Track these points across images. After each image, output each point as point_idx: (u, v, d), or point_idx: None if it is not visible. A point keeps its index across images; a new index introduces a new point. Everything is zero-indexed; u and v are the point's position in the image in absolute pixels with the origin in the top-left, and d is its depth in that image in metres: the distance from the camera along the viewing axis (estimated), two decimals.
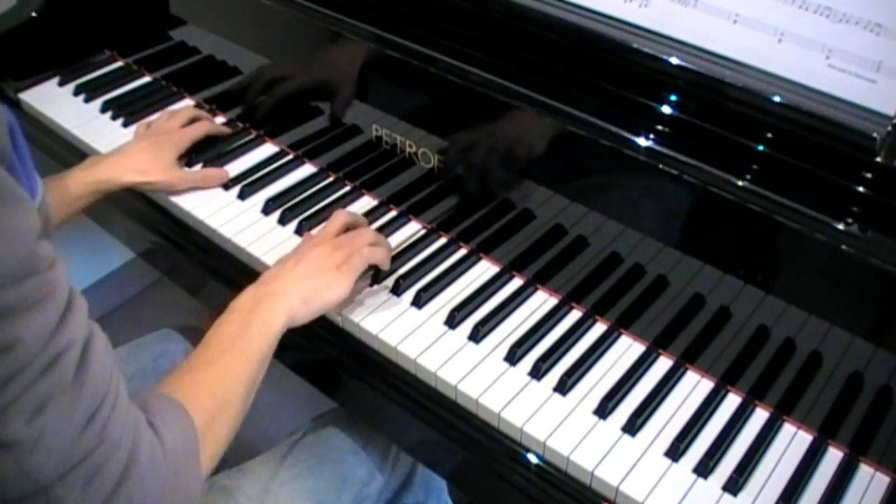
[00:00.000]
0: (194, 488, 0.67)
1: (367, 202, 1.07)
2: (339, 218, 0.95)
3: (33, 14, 1.26)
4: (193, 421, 0.68)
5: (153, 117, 1.17)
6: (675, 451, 0.78)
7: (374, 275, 0.95)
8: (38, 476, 0.55)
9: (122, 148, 1.08)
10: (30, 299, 0.53)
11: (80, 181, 1.01)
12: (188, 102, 1.25)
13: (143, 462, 0.60)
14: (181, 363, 0.77)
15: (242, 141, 1.17)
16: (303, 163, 1.13)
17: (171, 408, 0.68)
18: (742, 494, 0.75)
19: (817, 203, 0.73)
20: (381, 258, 0.92)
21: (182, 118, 1.13)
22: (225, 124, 1.20)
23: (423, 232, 1.02)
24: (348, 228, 0.95)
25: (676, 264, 0.84)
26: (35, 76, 1.27)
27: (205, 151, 1.14)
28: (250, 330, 0.80)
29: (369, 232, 0.95)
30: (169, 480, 0.63)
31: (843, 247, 0.72)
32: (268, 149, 1.16)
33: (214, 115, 1.22)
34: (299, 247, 0.92)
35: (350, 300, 0.91)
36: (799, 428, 0.81)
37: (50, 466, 0.55)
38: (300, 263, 0.87)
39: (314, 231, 1.02)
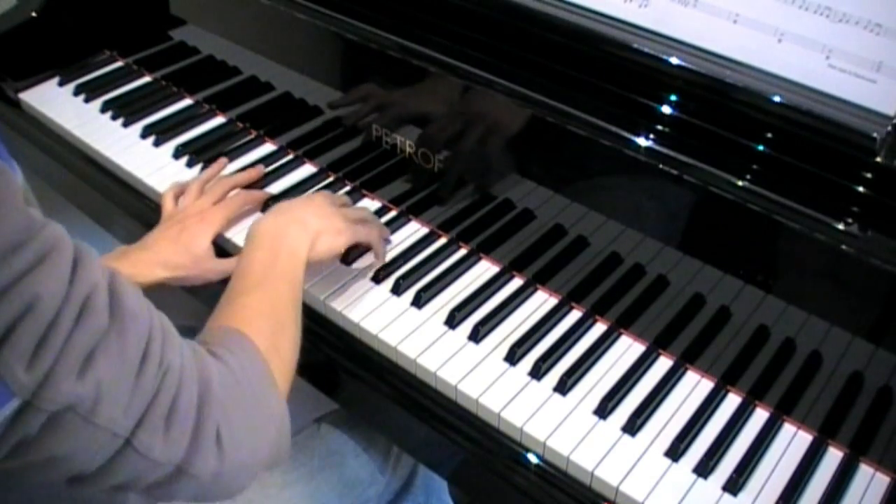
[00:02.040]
0: (277, 408, 0.66)
1: (366, 202, 1.07)
2: (343, 199, 0.98)
3: (33, 14, 1.26)
4: (254, 342, 0.67)
5: (184, 179, 1.05)
6: (675, 451, 0.78)
7: (375, 275, 0.95)
8: (114, 428, 0.53)
9: (150, 239, 0.94)
10: (36, 257, 0.51)
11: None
12: (188, 102, 1.25)
13: (217, 389, 0.59)
14: (221, 297, 0.76)
15: (242, 141, 1.17)
16: (303, 163, 1.13)
17: (230, 335, 0.67)
18: (742, 494, 0.75)
19: (817, 203, 0.73)
20: (381, 252, 0.95)
21: (214, 194, 1.00)
22: (225, 124, 1.20)
23: (423, 232, 1.02)
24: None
25: (676, 264, 0.84)
26: (35, 76, 1.27)
27: (205, 152, 1.14)
28: (279, 256, 0.80)
29: (378, 223, 0.97)
30: (249, 403, 0.62)
31: (843, 247, 0.72)
32: (268, 149, 1.16)
33: (214, 114, 1.22)
34: (303, 195, 0.94)
35: (344, 296, 0.92)
36: (799, 428, 0.81)
37: (120, 415, 0.54)
38: (312, 203, 0.90)
39: None
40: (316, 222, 0.86)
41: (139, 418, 0.55)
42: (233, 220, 1.00)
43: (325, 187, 1.08)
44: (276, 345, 0.70)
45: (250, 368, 0.65)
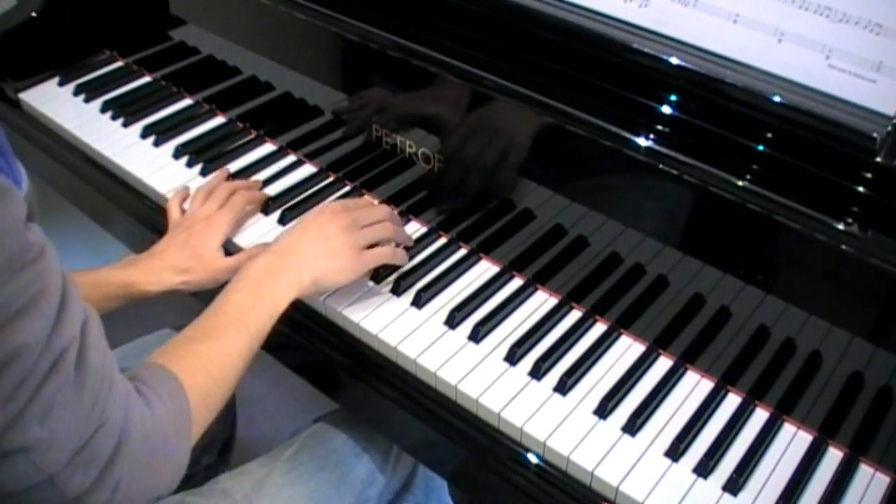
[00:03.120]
0: (182, 456, 0.68)
1: (367, 200, 1.07)
2: (366, 203, 0.94)
3: (33, 14, 1.26)
4: (188, 396, 0.68)
5: (194, 199, 1.03)
6: (675, 451, 0.78)
7: (375, 275, 0.95)
8: (50, 469, 0.56)
9: (158, 246, 0.94)
10: (26, 296, 0.52)
11: (109, 282, 0.89)
12: (188, 102, 1.25)
13: (135, 437, 0.61)
14: (185, 330, 0.76)
15: (242, 141, 1.17)
16: (303, 163, 1.13)
17: (165, 379, 0.68)
18: (742, 494, 0.75)
19: (817, 203, 0.73)
20: (400, 261, 0.93)
21: (219, 198, 1.00)
22: (225, 124, 1.20)
23: (423, 232, 1.02)
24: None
25: (676, 264, 0.84)
26: (35, 76, 1.27)
27: (205, 152, 1.14)
28: (257, 306, 0.79)
29: (399, 229, 0.94)
30: (158, 455, 0.64)
31: (843, 247, 0.72)
32: (268, 149, 1.16)
33: (214, 114, 1.22)
34: (319, 215, 0.88)
35: (343, 296, 0.91)
36: (799, 428, 0.81)
37: (60, 457, 0.56)
38: (319, 236, 0.86)
39: None
40: (313, 266, 0.84)
41: (69, 459, 0.57)
42: (238, 224, 1.01)
43: (325, 187, 1.08)
44: (207, 400, 0.72)
45: (173, 421, 0.67)
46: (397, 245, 0.95)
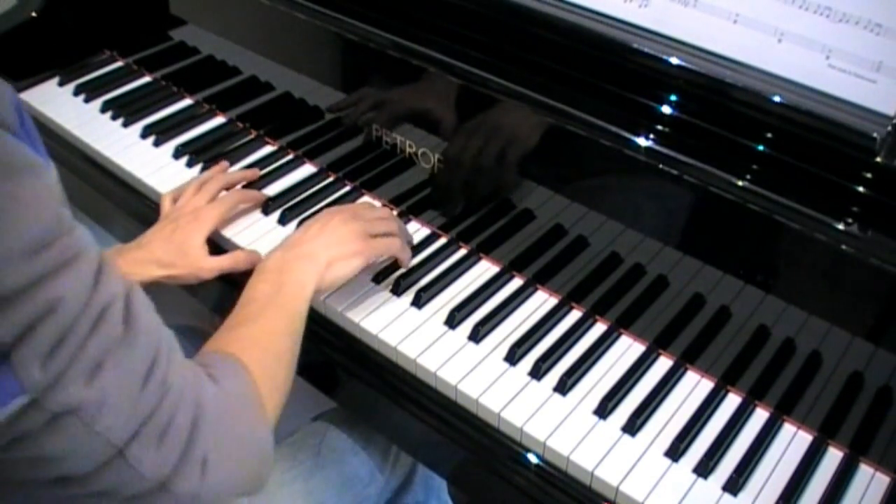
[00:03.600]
0: (263, 436, 0.68)
1: (367, 202, 1.07)
2: (366, 204, 0.96)
3: (33, 14, 1.26)
4: (250, 371, 0.69)
5: (186, 191, 1.01)
6: (675, 451, 0.78)
7: (375, 275, 0.95)
8: (110, 437, 0.54)
9: (145, 237, 0.93)
10: (62, 259, 0.52)
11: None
12: (188, 102, 1.25)
13: (211, 412, 0.60)
14: (222, 325, 0.76)
15: (242, 141, 1.17)
16: (303, 163, 1.13)
17: (226, 361, 0.68)
18: (742, 494, 0.75)
19: (817, 203, 0.73)
20: (406, 257, 0.93)
21: (209, 192, 0.99)
22: (225, 124, 1.20)
23: (423, 232, 1.02)
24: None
25: (676, 264, 0.84)
26: (35, 76, 1.27)
27: (205, 152, 1.14)
28: (284, 289, 0.80)
29: (400, 226, 0.95)
30: (238, 430, 0.64)
31: (843, 247, 0.72)
32: (268, 149, 1.16)
33: (214, 114, 1.22)
34: (319, 215, 0.91)
35: (343, 296, 0.91)
36: (799, 428, 0.81)
37: (119, 426, 0.55)
38: (325, 230, 0.87)
39: None
40: (326, 252, 0.85)
41: (135, 431, 0.56)
42: (229, 219, 1.01)
43: (326, 187, 1.08)
44: (270, 374, 0.72)
45: (243, 396, 0.66)
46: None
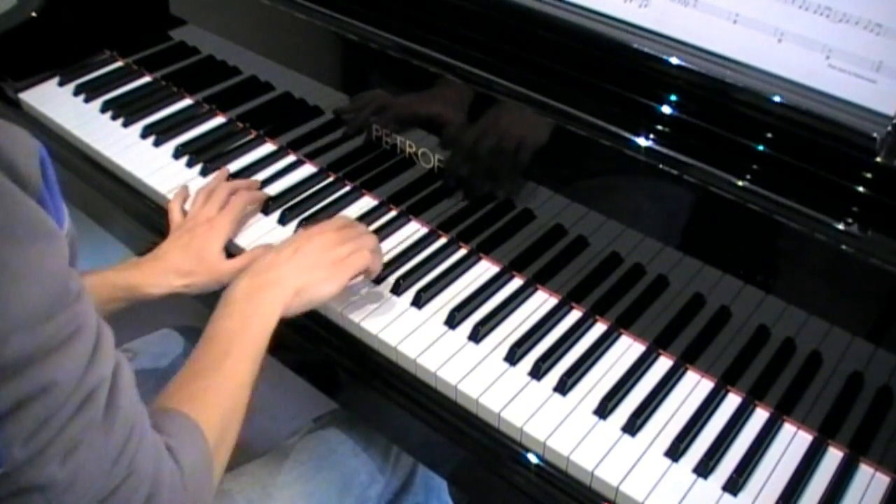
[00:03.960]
0: (208, 498, 0.68)
1: (367, 202, 1.07)
2: (339, 219, 0.94)
3: (33, 14, 1.26)
4: (206, 437, 0.68)
5: (194, 203, 1.02)
6: (675, 451, 0.78)
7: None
8: None
9: (161, 249, 0.94)
10: (61, 335, 0.52)
11: (113, 284, 0.89)
12: (188, 102, 1.25)
13: (165, 491, 0.60)
14: (183, 370, 0.76)
15: (242, 141, 1.17)
16: (303, 163, 1.13)
17: (186, 426, 0.68)
18: (742, 494, 0.75)
19: (817, 203, 0.73)
20: (377, 268, 0.91)
21: (219, 200, 1.00)
22: (225, 124, 1.20)
23: (423, 232, 1.02)
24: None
25: (676, 264, 0.84)
26: (35, 76, 1.27)
27: (205, 152, 1.14)
28: (249, 326, 0.79)
29: (371, 237, 0.92)
30: (188, 501, 0.64)
31: (843, 247, 0.72)
32: (268, 149, 1.16)
33: (214, 114, 1.22)
34: (295, 237, 0.90)
35: (343, 296, 0.90)
36: (799, 428, 0.81)
37: (80, 502, 0.55)
38: (296, 254, 0.86)
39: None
40: (294, 279, 0.83)
41: None
42: (239, 225, 1.01)
43: (326, 187, 1.08)
44: (224, 435, 0.72)
45: (198, 470, 0.66)
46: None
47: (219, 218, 0.97)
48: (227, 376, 0.75)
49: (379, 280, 0.95)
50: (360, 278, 0.93)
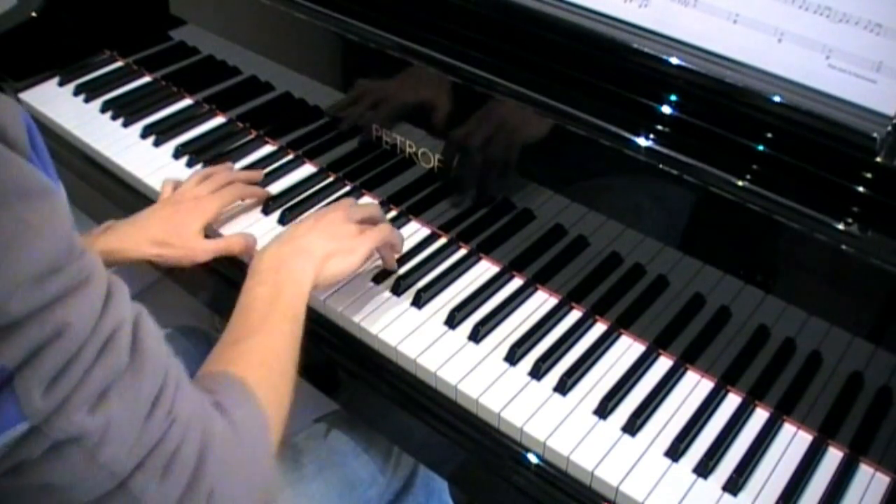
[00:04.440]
0: (268, 464, 0.66)
1: (367, 202, 1.07)
2: (353, 201, 0.95)
3: (33, 14, 1.26)
4: (258, 395, 0.67)
5: (190, 179, 1.03)
6: (675, 451, 0.78)
7: (375, 275, 0.95)
8: (114, 467, 0.53)
9: (141, 216, 0.95)
10: (72, 284, 0.51)
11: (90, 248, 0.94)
12: (188, 102, 1.25)
13: (218, 444, 0.59)
14: (223, 337, 0.75)
15: (242, 141, 1.17)
16: (303, 163, 1.13)
17: (234, 385, 0.67)
18: (742, 494, 0.75)
19: (817, 203, 0.73)
20: (398, 242, 0.93)
21: (215, 183, 1.00)
22: (225, 124, 1.20)
23: (423, 232, 1.02)
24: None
25: (676, 264, 0.84)
26: (35, 76, 1.27)
27: (205, 152, 1.14)
28: (283, 293, 0.78)
29: (385, 218, 0.95)
30: (246, 460, 0.62)
31: (843, 247, 0.72)
32: (268, 149, 1.16)
33: (214, 114, 1.22)
34: (312, 215, 0.90)
35: (343, 296, 0.90)
36: (799, 428, 0.81)
37: (123, 455, 0.54)
38: (319, 223, 0.86)
39: None
40: (322, 247, 0.84)
41: (139, 462, 0.55)
42: (229, 219, 1.02)
43: (326, 187, 1.08)
44: (277, 394, 0.70)
45: (251, 426, 0.65)
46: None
47: (207, 199, 0.97)
48: (267, 338, 0.74)
49: (379, 280, 0.95)
50: (377, 264, 0.94)
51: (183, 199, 0.97)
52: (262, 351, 0.73)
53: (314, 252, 0.83)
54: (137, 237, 0.91)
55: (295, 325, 0.77)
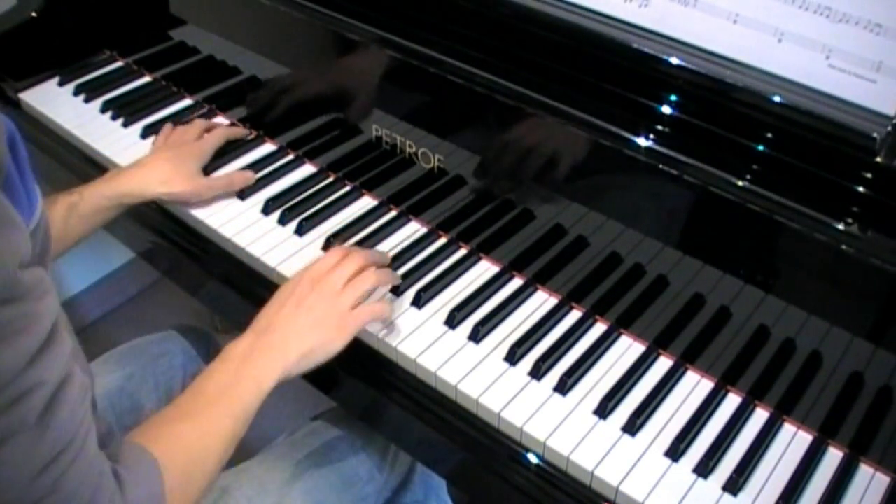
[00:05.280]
0: None
1: (367, 202, 1.07)
2: (338, 251, 0.88)
3: (33, 14, 1.26)
4: (164, 479, 0.66)
5: (167, 129, 1.13)
6: (675, 451, 0.78)
7: None
8: None
9: (143, 160, 1.04)
10: (2, 331, 0.50)
11: (100, 195, 0.97)
12: (188, 102, 1.25)
13: None
14: (164, 410, 0.74)
15: (243, 141, 1.17)
16: (303, 163, 1.13)
17: (143, 461, 0.65)
18: (742, 494, 0.75)
19: (817, 203, 0.73)
20: (388, 316, 0.88)
21: (198, 129, 1.11)
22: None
23: (423, 232, 1.02)
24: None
25: (676, 264, 0.84)
26: (35, 76, 1.27)
27: None
28: (240, 385, 0.76)
29: (381, 272, 0.89)
30: None
31: (843, 247, 0.72)
32: (268, 148, 1.16)
33: (214, 115, 1.22)
34: (296, 286, 0.84)
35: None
36: (799, 428, 0.81)
37: None
38: (299, 310, 0.81)
39: (316, 233, 1.02)
40: (299, 343, 0.80)
41: None
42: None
43: (326, 187, 1.08)
44: (186, 483, 0.68)
45: None
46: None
47: (199, 142, 1.08)
48: (203, 426, 0.72)
49: None
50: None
51: (177, 143, 1.08)
52: (192, 439, 0.71)
53: (288, 351, 0.79)
54: (146, 178, 1.00)
55: (237, 424, 0.74)
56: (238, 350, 0.79)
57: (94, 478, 0.58)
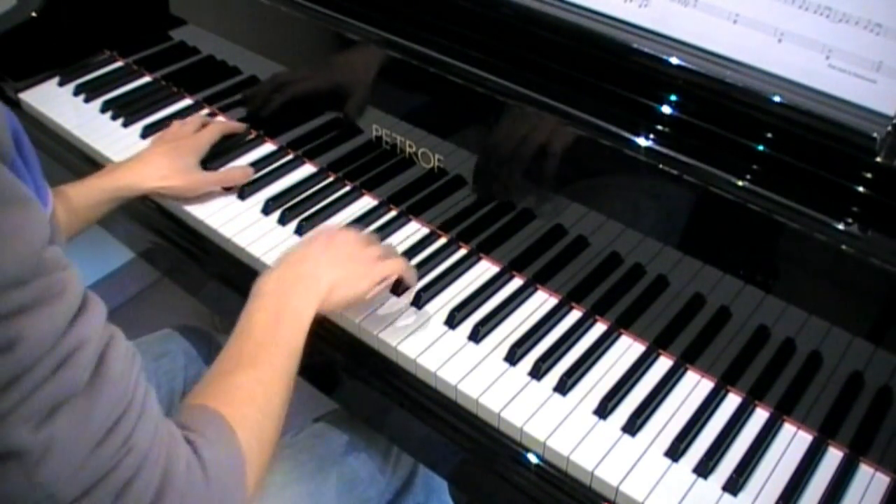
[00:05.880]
0: None
1: (367, 202, 1.07)
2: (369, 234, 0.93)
3: (33, 14, 1.26)
4: (238, 435, 0.64)
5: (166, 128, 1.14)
6: (675, 451, 0.78)
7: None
8: (54, 490, 0.51)
9: (140, 154, 1.04)
10: (35, 299, 0.50)
11: (98, 188, 0.98)
12: (188, 102, 1.25)
13: (181, 482, 0.56)
14: (215, 364, 0.73)
15: (242, 140, 1.17)
16: (303, 163, 1.13)
17: (212, 421, 0.64)
18: (742, 494, 0.75)
19: (817, 203, 0.73)
20: (411, 278, 0.90)
21: (194, 124, 1.11)
22: None
23: (423, 232, 1.02)
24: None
25: (676, 264, 0.84)
26: (35, 76, 1.27)
27: None
28: (283, 321, 0.76)
29: (404, 259, 0.92)
30: (213, 502, 0.59)
31: (843, 247, 0.72)
32: (268, 148, 1.16)
33: (214, 115, 1.22)
34: (328, 230, 0.88)
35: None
36: (799, 428, 0.81)
37: (65, 479, 0.51)
38: (331, 246, 0.84)
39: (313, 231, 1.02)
40: (329, 274, 0.81)
41: (86, 489, 0.52)
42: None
43: (326, 187, 1.08)
44: (260, 434, 0.67)
45: (224, 466, 0.62)
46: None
47: (196, 137, 1.08)
48: (260, 372, 0.71)
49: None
50: (385, 286, 0.90)
51: (174, 138, 1.08)
52: (252, 387, 0.70)
53: (319, 280, 0.80)
54: (143, 172, 1.01)
55: (290, 360, 0.75)
56: (268, 285, 0.80)
57: (164, 439, 0.57)
